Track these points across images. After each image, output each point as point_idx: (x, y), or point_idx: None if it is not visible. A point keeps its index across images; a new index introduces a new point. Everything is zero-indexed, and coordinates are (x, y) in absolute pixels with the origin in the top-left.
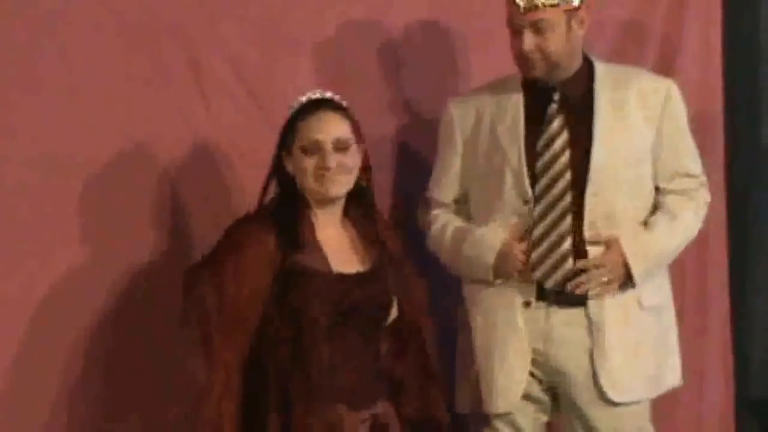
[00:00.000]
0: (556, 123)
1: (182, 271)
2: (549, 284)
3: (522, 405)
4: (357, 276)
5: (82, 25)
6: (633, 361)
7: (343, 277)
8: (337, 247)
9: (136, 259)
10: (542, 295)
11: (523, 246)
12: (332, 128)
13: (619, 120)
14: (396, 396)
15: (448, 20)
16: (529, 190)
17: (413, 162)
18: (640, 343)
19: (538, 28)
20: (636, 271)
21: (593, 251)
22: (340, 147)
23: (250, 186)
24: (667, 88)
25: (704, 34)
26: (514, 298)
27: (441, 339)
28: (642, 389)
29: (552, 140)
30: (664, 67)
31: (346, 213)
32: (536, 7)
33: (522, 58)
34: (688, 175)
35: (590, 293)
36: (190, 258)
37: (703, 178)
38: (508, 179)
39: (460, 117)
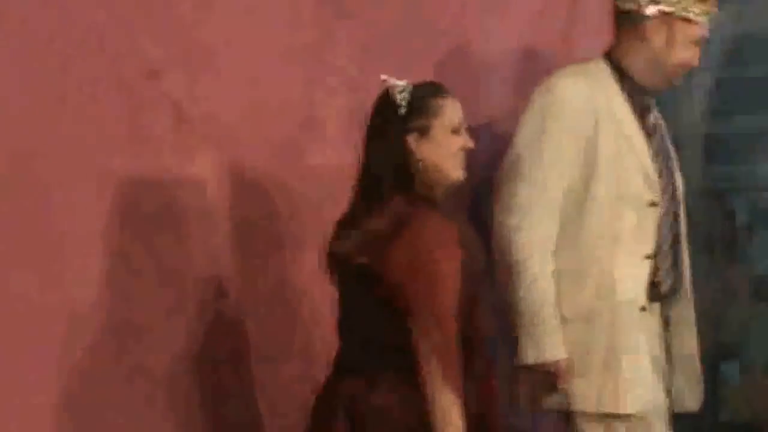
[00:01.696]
0: (658, 133)
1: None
2: (663, 288)
3: (654, 406)
4: None
5: (8, 48)
6: None
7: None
8: None
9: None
10: (657, 297)
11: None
12: (461, 112)
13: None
14: None
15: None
16: (659, 193)
17: None
18: None
19: (700, 45)
20: None
21: None
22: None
23: (182, 196)
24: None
25: None
26: (634, 300)
27: None
28: None
29: (659, 148)
30: None
31: None
32: (706, 25)
33: (685, 68)
34: None
35: None
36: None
37: None
38: (637, 176)
39: (576, 93)
